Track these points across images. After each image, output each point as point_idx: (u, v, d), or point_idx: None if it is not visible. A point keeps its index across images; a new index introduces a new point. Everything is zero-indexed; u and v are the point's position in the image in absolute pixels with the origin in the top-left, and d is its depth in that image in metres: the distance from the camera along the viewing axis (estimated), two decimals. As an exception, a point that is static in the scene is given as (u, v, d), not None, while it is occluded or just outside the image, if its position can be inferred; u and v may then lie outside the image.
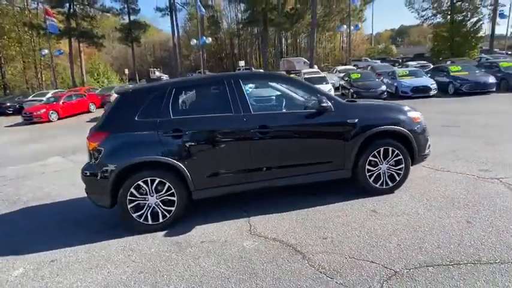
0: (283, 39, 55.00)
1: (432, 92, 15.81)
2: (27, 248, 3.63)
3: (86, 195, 3.90)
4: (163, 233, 3.70)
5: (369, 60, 36.05)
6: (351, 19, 39.76)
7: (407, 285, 2.43)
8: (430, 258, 2.73)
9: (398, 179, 4.18)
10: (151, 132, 3.71)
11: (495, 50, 33.53)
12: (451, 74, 16.81)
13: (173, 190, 3.73)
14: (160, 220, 3.77)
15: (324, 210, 3.87)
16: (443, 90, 16.12)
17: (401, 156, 4.11)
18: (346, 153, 4.01)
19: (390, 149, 4.07)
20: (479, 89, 15.30)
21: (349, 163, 4.04)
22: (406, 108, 4.32)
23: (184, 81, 4.25)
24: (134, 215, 3.72)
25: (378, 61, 33.32)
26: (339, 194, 4.22)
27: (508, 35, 37.62)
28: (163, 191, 3.73)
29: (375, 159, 4.08)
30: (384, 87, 16.70)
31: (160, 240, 3.54)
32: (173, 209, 3.77)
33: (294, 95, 4.46)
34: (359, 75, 18.50)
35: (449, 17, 32.48)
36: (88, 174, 3.75)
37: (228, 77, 4.04)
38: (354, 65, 29.48)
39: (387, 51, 57.47)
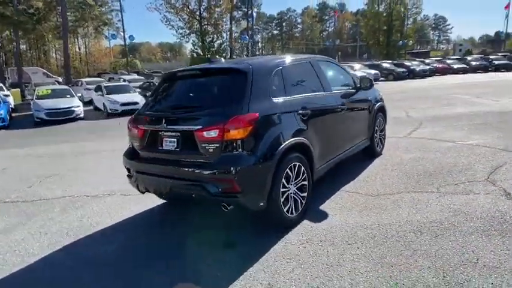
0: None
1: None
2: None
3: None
4: (315, 224, 3.40)
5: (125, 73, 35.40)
6: (105, 28, 37.98)
7: (505, 179, 3.96)
8: (487, 170, 4.39)
9: (384, 142, 5.71)
10: (289, 112, 3.35)
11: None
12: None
13: (306, 174, 3.51)
14: (300, 209, 3.45)
15: (369, 176, 4.72)
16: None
17: (383, 125, 5.66)
18: (369, 125, 5.09)
19: (381, 119, 5.53)
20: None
21: (370, 133, 5.15)
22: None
23: (284, 59, 3.86)
24: (285, 209, 3.22)
25: (134, 74, 33.40)
26: (353, 166, 5.17)
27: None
28: (300, 176, 3.44)
29: (376, 128, 5.40)
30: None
31: (341, 230, 3.28)
32: (305, 194, 3.54)
33: (340, 76, 4.95)
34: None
35: (200, 37, 38.02)
36: (250, 166, 2.88)
37: (310, 58, 4.17)
38: (110, 78, 28.55)
39: (132, 65, 58.54)
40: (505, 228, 2.96)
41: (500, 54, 35.65)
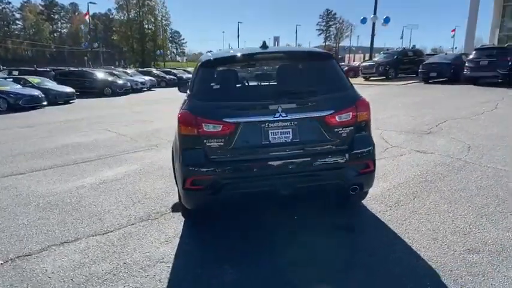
0: None
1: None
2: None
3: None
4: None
5: None
6: None
7: (401, 145, 5.92)
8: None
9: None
10: None
11: None
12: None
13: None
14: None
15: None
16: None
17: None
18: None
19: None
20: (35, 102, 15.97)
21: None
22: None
23: None
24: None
25: None
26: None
27: None
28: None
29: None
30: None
31: (391, 192, 3.93)
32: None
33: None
34: None
35: None
36: (374, 144, 3.12)
37: None
38: None
39: None
40: (464, 165, 4.70)
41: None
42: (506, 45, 14.90)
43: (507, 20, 21.48)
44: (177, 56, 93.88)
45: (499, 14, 21.44)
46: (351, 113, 2.92)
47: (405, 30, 59.54)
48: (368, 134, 3.08)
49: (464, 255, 2.69)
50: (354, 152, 2.93)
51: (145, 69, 33.74)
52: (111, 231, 3.36)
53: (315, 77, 3.16)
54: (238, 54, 3.14)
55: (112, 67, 37.62)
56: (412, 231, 3.09)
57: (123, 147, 6.80)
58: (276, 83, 3.11)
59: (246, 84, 3.14)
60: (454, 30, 54.91)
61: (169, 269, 2.70)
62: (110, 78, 23.03)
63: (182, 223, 3.46)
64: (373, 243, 2.96)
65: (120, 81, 22.90)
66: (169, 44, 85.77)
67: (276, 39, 72.99)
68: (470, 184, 4.06)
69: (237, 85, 3.11)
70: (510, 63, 13.11)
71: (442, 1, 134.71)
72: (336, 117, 2.87)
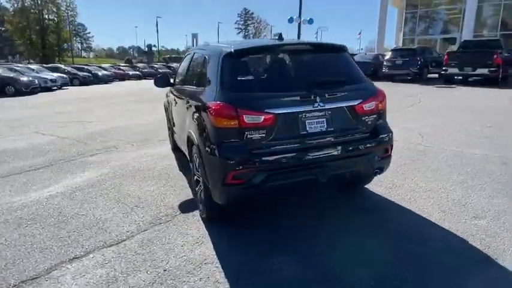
0: None
1: None
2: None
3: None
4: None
5: None
6: None
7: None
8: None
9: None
10: None
11: None
12: None
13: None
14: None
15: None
16: None
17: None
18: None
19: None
20: None
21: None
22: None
23: None
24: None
25: None
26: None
27: None
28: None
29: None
30: None
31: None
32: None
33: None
34: None
35: None
36: None
37: None
38: None
39: None
40: (427, 149, 5.31)
41: (160, 64, 42.94)
42: (415, 47, 17.35)
43: (408, 26, 24.93)
44: (82, 52, 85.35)
45: (401, 21, 24.73)
46: (374, 102, 3.12)
47: (318, 32, 64.09)
48: (385, 121, 3.32)
49: (474, 221, 3.12)
50: (379, 137, 3.14)
51: (51, 65, 29.75)
52: (125, 240, 2.99)
53: (338, 68, 3.28)
54: (264, 45, 3.08)
55: (10, 62, 32.50)
56: (422, 206, 3.44)
57: (74, 151, 6.00)
58: (304, 74, 3.13)
59: (275, 75, 3.10)
60: (360, 33, 61.36)
61: (220, 269, 2.54)
62: (11, 75, 19.80)
63: (201, 222, 3.27)
64: (395, 221, 3.22)
65: (24, 78, 19.79)
66: (74, 38, 77.47)
67: (194, 36, 71.48)
68: (442, 164, 4.67)
69: (268, 76, 3.05)
70: (419, 62, 15.35)
71: (349, 5, 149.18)
72: (364, 106, 3.04)
